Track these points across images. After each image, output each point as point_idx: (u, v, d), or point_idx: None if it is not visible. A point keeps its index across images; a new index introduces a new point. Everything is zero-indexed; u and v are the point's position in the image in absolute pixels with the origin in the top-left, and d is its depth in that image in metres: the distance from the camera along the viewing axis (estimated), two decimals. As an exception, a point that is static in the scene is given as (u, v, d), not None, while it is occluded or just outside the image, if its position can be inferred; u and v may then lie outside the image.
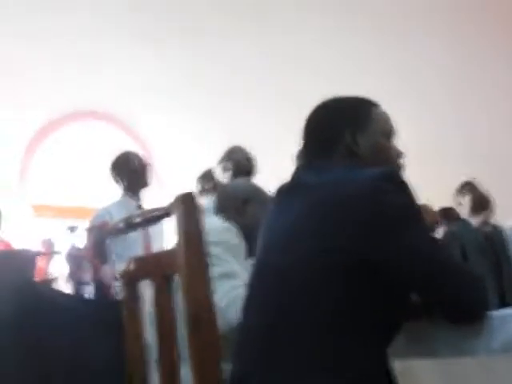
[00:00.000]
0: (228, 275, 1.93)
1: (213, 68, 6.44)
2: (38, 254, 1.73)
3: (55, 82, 6.12)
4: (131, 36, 6.14)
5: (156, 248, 3.46)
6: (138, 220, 1.48)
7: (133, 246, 3.37)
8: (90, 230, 1.66)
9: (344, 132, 1.52)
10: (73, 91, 6.27)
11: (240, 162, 3.76)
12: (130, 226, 1.50)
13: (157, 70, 6.39)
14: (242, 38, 6.27)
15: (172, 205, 1.33)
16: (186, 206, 1.31)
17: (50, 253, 1.71)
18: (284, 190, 1.54)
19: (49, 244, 5.73)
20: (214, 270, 1.89)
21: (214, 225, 2.08)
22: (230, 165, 3.78)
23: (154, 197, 3.98)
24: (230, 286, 1.89)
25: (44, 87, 6.10)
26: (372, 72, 6.36)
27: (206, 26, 6.20)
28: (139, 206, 3.67)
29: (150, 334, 1.53)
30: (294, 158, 3.59)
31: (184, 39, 6.28)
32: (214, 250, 1.94)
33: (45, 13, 5.77)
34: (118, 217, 3.30)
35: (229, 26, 6.19)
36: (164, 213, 1.37)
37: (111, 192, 4.00)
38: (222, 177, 3.80)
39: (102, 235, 1.62)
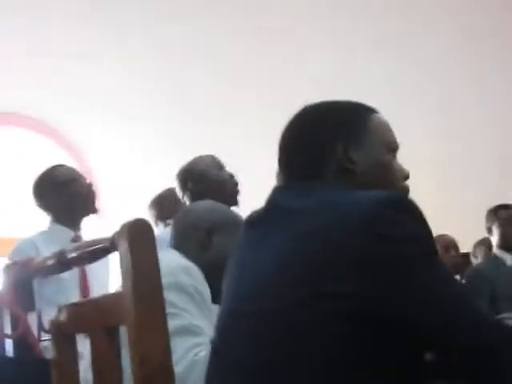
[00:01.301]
0: (187, 330, 1.93)
1: (173, 64, 6.47)
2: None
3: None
4: (68, 21, 6.15)
5: (96, 292, 3.43)
6: (73, 255, 1.49)
7: (66, 289, 3.33)
8: (10, 268, 1.66)
9: (335, 145, 1.52)
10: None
11: (205, 178, 3.60)
12: (62, 263, 1.50)
13: (100, 67, 6.40)
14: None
15: (117, 235, 1.34)
16: (135, 236, 1.31)
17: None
18: (257, 217, 1.55)
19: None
20: (169, 323, 1.91)
21: (170, 263, 2.07)
22: (191, 181, 3.60)
23: (92, 227, 3.93)
24: (190, 344, 1.89)
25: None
26: (373, 75, 6.45)
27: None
28: (76, 238, 3.59)
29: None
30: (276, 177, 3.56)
31: (141, 30, 6.32)
32: (168, 295, 1.94)
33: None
34: (46, 251, 3.27)
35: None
36: (107, 246, 1.38)
37: (38, 219, 3.97)
38: (182, 198, 3.66)
39: (26, 275, 1.62)
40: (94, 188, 3.78)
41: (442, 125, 6.49)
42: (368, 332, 1.29)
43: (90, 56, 6.31)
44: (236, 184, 3.57)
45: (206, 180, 3.55)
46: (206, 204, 2.55)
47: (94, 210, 3.73)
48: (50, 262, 1.55)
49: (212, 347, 1.55)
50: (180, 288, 2.00)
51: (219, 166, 3.60)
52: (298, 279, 1.35)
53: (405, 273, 1.30)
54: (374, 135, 1.56)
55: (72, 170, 3.84)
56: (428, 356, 1.38)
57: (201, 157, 3.70)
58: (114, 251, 1.37)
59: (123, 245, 1.32)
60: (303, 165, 1.55)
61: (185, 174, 3.61)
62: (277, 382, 1.33)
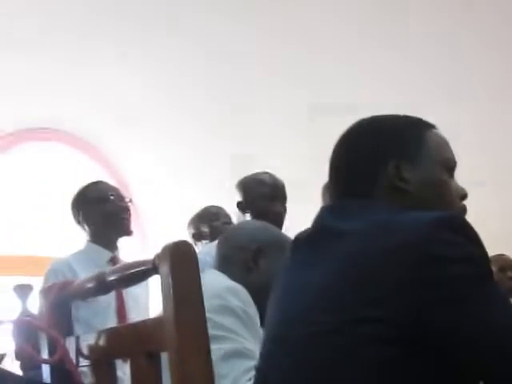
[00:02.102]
0: (241, 354, 1.93)
1: (213, 80, 6.50)
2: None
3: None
4: (104, 39, 6.21)
5: (133, 316, 3.44)
6: (113, 278, 1.50)
7: (102, 312, 3.34)
8: (48, 291, 1.67)
9: (386, 163, 1.51)
10: (25, 103, 6.31)
11: (253, 197, 3.63)
12: (102, 286, 1.51)
13: (138, 82, 6.46)
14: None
15: (159, 258, 1.35)
16: (177, 259, 1.32)
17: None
18: (304, 239, 1.54)
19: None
20: (222, 347, 1.91)
21: (217, 284, 2.09)
22: (248, 203, 3.62)
23: (132, 247, 3.93)
24: (245, 367, 1.90)
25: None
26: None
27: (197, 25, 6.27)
28: (113, 259, 3.61)
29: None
30: (321, 197, 3.56)
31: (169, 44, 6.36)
32: (218, 318, 1.96)
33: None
34: (82, 272, 3.30)
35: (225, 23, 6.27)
36: (148, 269, 1.38)
37: (75, 238, 4.00)
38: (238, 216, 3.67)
39: (64, 298, 1.63)
40: (128, 208, 3.76)
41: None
42: (417, 359, 1.28)
43: (130, 72, 6.37)
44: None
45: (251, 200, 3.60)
46: (253, 224, 2.55)
47: (128, 232, 3.72)
48: (89, 285, 1.56)
49: (256, 373, 1.55)
50: (229, 310, 2.00)
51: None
52: (342, 303, 1.34)
53: (455, 296, 1.28)
54: (430, 153, 1.54)
55: (107, 188, 3.84)
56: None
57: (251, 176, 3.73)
58: (155, 274, 1.38)
59: (164, 267, 1.32)
60: (354, 182, 1.54)
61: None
62: None
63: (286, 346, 1.42)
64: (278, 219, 3.51)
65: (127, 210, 3.75)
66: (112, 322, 3.27)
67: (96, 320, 3.13)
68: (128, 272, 1.46)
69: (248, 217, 3.57)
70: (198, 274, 1.33)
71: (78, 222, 3.74)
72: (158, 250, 1.37)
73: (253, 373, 1.84)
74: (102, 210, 3.66)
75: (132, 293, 3.41)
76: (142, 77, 6.43)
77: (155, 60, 6.39)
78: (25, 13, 5.84)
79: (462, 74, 6.35)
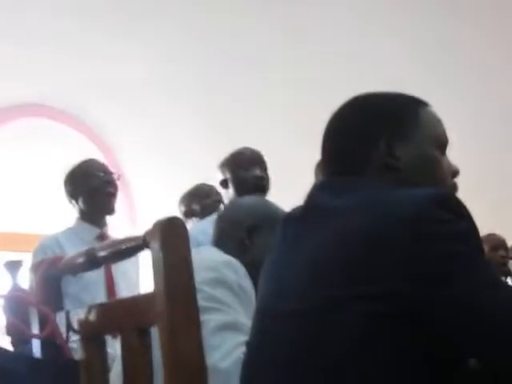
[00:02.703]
0: (232, 326, 1.92)
1: (208, 59, 6.47)
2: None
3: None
4: (95, 14, 6.17)
5: (123, 293, 3.45)
6: (103, 254, 1.50)
7: (91, 287, 3.35)
8: (37, 267, 1.67)
9: (378, 140, 1.51)
10: (19, 78, 6.27)
11: (232, 169, 3.64)
12: (92, 261, 1.51)
13: (133, 60, 6.43)
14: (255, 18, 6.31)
15: (149, 233, 1.35)
16: (168, 234, 1.32)
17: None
18: (296, 217, 1.54)
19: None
20: (214, 318, 1.89)
21: (213, 258, 2.09)
22: (230, 177, 3.64)
23: (121, 224, 3.93)
24: (238, 341, 1.87)
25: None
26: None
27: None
28: (101, 236, 3.61)
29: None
30: (313, 174, 3.57)
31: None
32: (212, 290, 1.95)
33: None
34: (70, 249, 3.29)
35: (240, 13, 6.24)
36: (138, 244, 1.38)
37: (63, 215, 4.00)
38: (224, 195, 3.68)
39: (54, 273, 1.63)
40: (114, 183, 3.75)
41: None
42: (405, 333, 1.28)
43: (127, 54, 6.34)
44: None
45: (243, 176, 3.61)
46: (249, 200, 2.54)
47: (109, 211, 3.70)
48: (79, 260, 1.56)
49: (247, 347, 1.55)
50: (224, 283, 1.99)
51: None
52: (335, 280, 1.33)
53: (447, 272, 1.28)
54: (422, 130, 1.54)
55: (95, 164, 3.83)
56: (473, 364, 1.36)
57: (241, 150, 3.74)
58: (145, 249, 1.38)
59: (155, 243, 1.32)
60: (345, 159, 1.54)
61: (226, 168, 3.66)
62: (311, 383, 1.33)
63: (277, 320, 1.42)
64: (259, 184, 3.53)
65: (113, 185, 3.73)
66: (101, 298, 3.27)
67: (85, 295, 3.14)
68: (118, 247, 1.46)
69: (231, 192, 3.59)
70: (189, 249, 1.33)
71: (69, 201, 3.75)
72: (147, 226, 1.37)
73: (244, 347, 1.84)
74: (88, 186, 3.66)
75: (121, 268, 3.42)
76: (133, 50, 6.39)
77: (151, 34, 6.35)
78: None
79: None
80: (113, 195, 3.70)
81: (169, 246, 1.31)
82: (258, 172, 3.60)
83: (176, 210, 4.43)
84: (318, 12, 6.15)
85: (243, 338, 1.83)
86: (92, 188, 3.66)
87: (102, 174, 3.73)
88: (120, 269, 3.43)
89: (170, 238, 1.32)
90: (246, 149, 3.72)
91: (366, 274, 1.31)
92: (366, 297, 1.29)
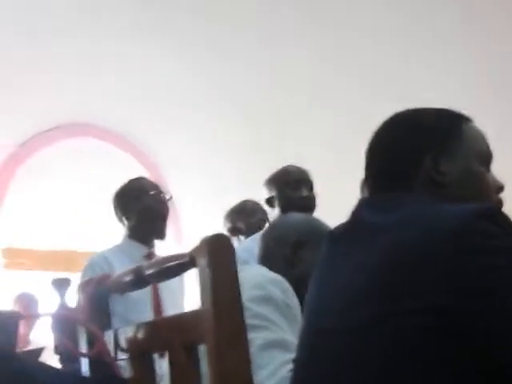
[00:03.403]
0: (280, 345, 1.90)
1: (251, 77, 6.49)
2: (22, 316, 1.74)
3: (38, 85, 6.21)
4: (141, 32, 6.23)
5: (169, 311, 3.45)
6: (150, 272, 1.50)
7: (137, 306, 3.35)
8: (86, 285, 1.67)
9: (423, 155, 1.51)
10: (62, 99, 6.35)
11: (279, 188, 3.66)
12: (140, 280, 1.51)
13: (177, 77, 6.47)
14: (293, 38, 6.32)
15: (196, 251, 1.34)
16: (215, 252, 1.31)
17: (33, 315, 1.73)
18: (341, 233, 1.54)
19: (28, 302, 5.77)
20: (260, 336, 1.88)
21: (259, 275, 2.07)
22: (276, 195, 3.66)
23: (166, 244, 3.93)
24: (284, 359, 1.85)
25: (22, 93, 6.19)
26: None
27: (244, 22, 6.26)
28: (149, 255, 3.62)
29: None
30: (360, 191, 3.55)
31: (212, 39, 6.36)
32: (258, 308, 1.94)
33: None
34: (118, 266, 3.31)
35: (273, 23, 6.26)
36: (185, 262, 1.38)
37: (110, 234, 4.02)
38: (270, 213, 3.69)
39: (102, 292, 1.63)
40: (166, 204, 3.77)
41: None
42: (451, 346, 1.26)
43: (174, 72, 6.39)
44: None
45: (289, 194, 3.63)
46: (294, 216, 2.54)
47: (161, 235, 3.71)
48: (127, 279, 1.56)
49: (294, 364, 1.54)
50: (270, 301, 1.98)
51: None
52: (380, 296, 1.33)
53: (490, 285, 1.27)
54: (466, 145, 1.54)
55: (147, 184, 3.86)
56: None
57: (285, 169, 3.76)
58: (192, 267, 1.37)
59: (202, 259, 1.32)
60: (390, 175, 1.54)
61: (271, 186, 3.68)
62: None
63: (323, 338, 1.41)
64: (305, 204, 3.53)
65: (165, 205, 3.74)
66: (148, 316, 3.28)
67: (132, 314, 3.14)
68: (165, 265, 1.46)
69: (277, 210, 3.60)
70: (236, 266, 1.33)
71: (119, 218, 3.76)
72: (193, 244, 1.37)
73: (291, 365, 1.82)
74: (139, 204, 3.68)
75: (167, 287, 3.42)
76: (179, 67, 6.43)
77: (180, 42, 6.38)
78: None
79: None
80: (164, 218, 3.70)
81: (216, 262, 1.31)
82: (304, 192, 3.61)
83: (222, 228, 4.43)
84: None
85: (289, 356, 1.82)
86: (144, 206, 3.67)
87: (154, 193, 3.74)
88: (166, 287, 3.42)
89: (217, 254, 1.31)
90: (293, 167, 3.73)
91: (410, 289, 1.29)
92: (410, 312, 1.28)
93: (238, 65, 6.46)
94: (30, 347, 5.15)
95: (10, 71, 6.11)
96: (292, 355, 1.78)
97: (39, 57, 6.14)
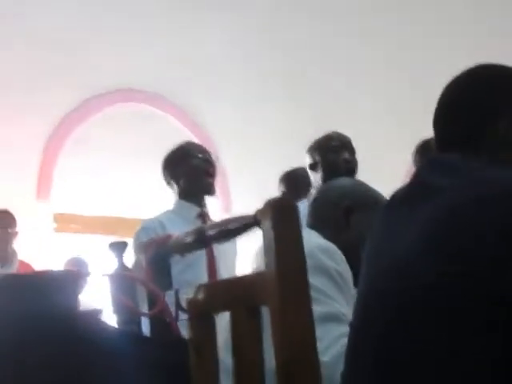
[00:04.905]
0: (335, 318, 1.86)
1: (304, 49, 6.48)
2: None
3: (85, 52, 6.26)
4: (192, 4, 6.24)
5: (222, 272, 3.46)
6: (212, 233, 1.49)
7: (193, 266, 3.36)
8: (147, 247, 1.67)
9: (498, 115, 1.45)
10: (110, 66, 6.39)
11: (323, 153, 3.67)
12: (201, 240, 1.50)
13: (227, 45, 6.47)
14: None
15: (261, 212, 1.33)
16: (280, 214, 1.29)
17: (92, 275, 1.72)
18: (400, 195, 1.50)
19: (79, 265, 5.82)
20: (314, 309, 1.86)
21: (310, 243, 1.99)
22: (320, 160, 3.66)
23: (214, 212, 3.94)
24: (339, 333, 1.82)
25: (69, 60, 6.23)
26: None
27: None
28: (202, 215, 3.64)
29: (225, 384, 1.53)
30: (411, 161, 3.53)
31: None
32: (311, 279, 1.89)
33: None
34: (172, 229, 3.31)
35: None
36: (250, 222, 1.37)
37: (160, 200, 4.04)
38: (314, 178, 3.70)
39: (163, 253, 1.62)
40: (213, 163, 3.80)
41: None
42: (502, 312, 1.21)
43: (222, 38, 6.39)
44: None
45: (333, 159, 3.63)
46: (344, 181, 2.50)
47: (209, 191, 3.75)
48: (189, 239, 1.55)
49: (350, 328, 1.52)
50: (322, 271, 1.92)
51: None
52: (440, 257, 1.29)
53: None
54: None
55: (193, 146, 3.93)
56: None
57: (328, 135, 3.77)
58: (256, 228, 1.36)
59: (267, 221, 1.30)
60: (459, 134, 1.49)
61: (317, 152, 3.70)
62: (417, 363, 1.30)
63: (381, 300, 1.39)
64: (349, 167, 3.53)
65: (212, 165, 3.78)
66: (203, 277, 3.30)
67: (188, 275, 3.13)
68: (229, 226, 1.45)
69: (320, 175, 3.60)
70: (300, 229, 1.31)
71: (168, 183, 3.79)
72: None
73: (346, 339, 1.80)
74: (187, 165, 3.72)
75: (222, 249, 3.43)
76: (229, 35, 6.45)
77: (243, 17, 6.40)
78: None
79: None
80: (212, 175, 3.73)
81: (281, 224, 1.29)
82: (347, 156, 3.60)
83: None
84: None
85: (344, 328, 1.78)
86: (193, 167, 3.71)
87: (201, 155, 3.76)
88: (220, 249, 3.44)
89: (281, 216, 1.29)
90: (336, 133, 3.74)
91: (466, 253, 1.25)
92: (463, 274, 1.24)
93: (287, 35, 6.46)
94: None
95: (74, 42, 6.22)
96: (346, 328, 1.75)
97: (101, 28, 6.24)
